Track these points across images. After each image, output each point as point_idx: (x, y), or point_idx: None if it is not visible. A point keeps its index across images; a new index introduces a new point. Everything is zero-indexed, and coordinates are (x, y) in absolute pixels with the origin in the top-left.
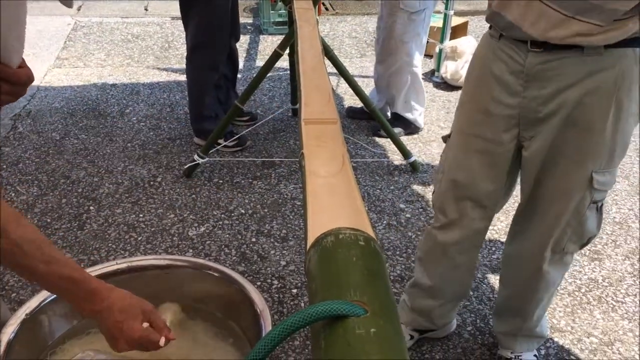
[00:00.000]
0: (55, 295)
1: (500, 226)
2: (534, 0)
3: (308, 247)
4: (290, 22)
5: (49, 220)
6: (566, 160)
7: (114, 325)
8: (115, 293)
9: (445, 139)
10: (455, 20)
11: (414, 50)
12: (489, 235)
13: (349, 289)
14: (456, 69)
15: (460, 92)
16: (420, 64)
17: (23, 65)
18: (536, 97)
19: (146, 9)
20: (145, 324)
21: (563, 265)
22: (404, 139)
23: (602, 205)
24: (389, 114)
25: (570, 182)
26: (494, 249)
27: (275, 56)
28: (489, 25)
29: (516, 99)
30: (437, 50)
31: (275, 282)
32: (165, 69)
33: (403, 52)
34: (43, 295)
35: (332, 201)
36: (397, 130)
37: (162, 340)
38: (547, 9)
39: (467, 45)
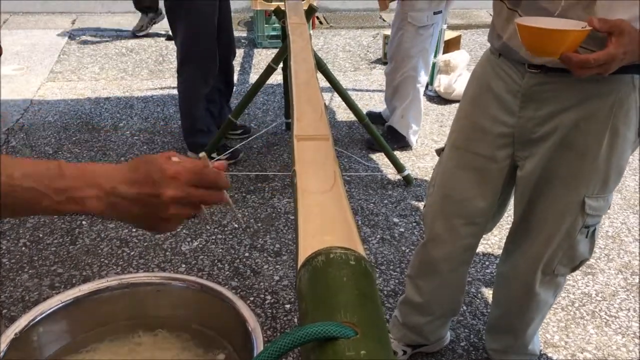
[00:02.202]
0: (47, 313)
1: (493, 240)
2: None
3: (299, 266)
4: (284, 36)
5: (41, 235)
6: (559, 183)
7: (143, 181)
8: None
9: (439, 152)
10: (449, 34)
11: (420, 65)
12: (482, 249)
13: (339, 310)
14: (449, 82)
15: (453, 105)
16: (424, 82)
17: None
18: (532, 118)
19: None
20: (175, 159)
21: (554, 286)
22: (397, 153)
23: (594, 230)
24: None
25: (563, 205)
26: (487, 263)
27: (269, 70)
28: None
29: (513, 118)
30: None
31: (269, 297)
32: (159, 83)
33: (409, 66)
34: (34, 313)
35: (323, 219)
36: (390, 142)
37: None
38: None
39: (460, 59)
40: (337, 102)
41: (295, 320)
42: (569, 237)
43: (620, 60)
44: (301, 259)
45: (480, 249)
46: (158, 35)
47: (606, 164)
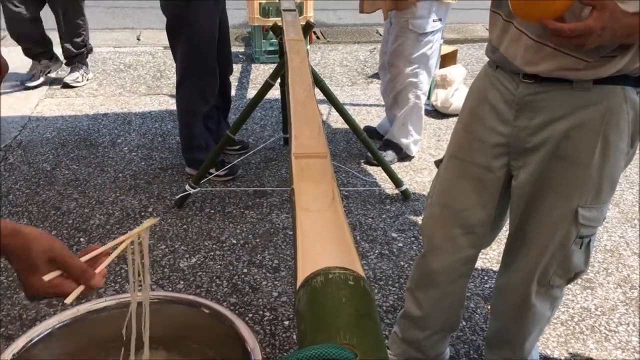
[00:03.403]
0: (44, 333)
1: (492, 255)
2: (523, 35)
3: (298, 286)
4: (282, 51)
5: None
6: (552, 193)
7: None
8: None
9: (438, 164)
10: (445, 49)
11: (421, 72)
12: (481, 263)
13: (338, 332)
14: (446, 97)
15: (450, 119)
16: (426, 90)
17: None
18: (526, 127)
19: (138, 39)
20: (54, 273)
21: (551, 298)
22: (395, 167)
23: (589, 241)
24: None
25: (556, 214)
26: (486, 277)
27: (267, 86)
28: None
29: (507, 127)
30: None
31: (267, 313)
32: (157, 98)
33: (410, 72)
34: (32, 334)
35: (321, 239)
36: (389, 156)
37: (75, 292)
38: (533, 42)
39: (457, 73)
40: (334, 117)
41: (294, 337)
42: (563, 248)
43: (597, 35)
44: (300, 279)
45: (478, 263)
46: (63, 85)
47: (599, 174)
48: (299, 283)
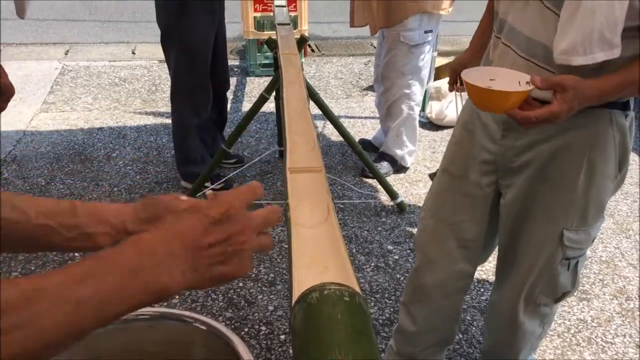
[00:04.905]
0: None
1: (488, 267)
2: (510, 50)
3: (293, 303)
4: (276, 65)
5: (32, 267)
6: (538, 214)
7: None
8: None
9: (432, 177)
10: (439, 61)
11: (414, 83)
12: (477, 275)
13: (334, 348)
14: (441, 109)
15: (445, 131)
16: (419, 101)
17: (4, 77)
18: (512, 147)
19: (134, 53)
20: (183, 198)
21: (539, 316)
22: (390, 179)
23: (577, 262)
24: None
25: (542, 235)
26: (482, 290)
27: (262, 100)
28: None
29: (495, 145)
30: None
31: (263, 328)
32: (152, 112)
33: (403, 84)
34: None
35: (317, 254)
36: (384, 168)
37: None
38: (519, 57)
39: None
40: (329, 129)
41: (291, 351)
42: (550, 268)
43: (566, 114)
44: (295, 295)
45: (475, 275)
46: None
47: (584, 197)
48: (294, 299)
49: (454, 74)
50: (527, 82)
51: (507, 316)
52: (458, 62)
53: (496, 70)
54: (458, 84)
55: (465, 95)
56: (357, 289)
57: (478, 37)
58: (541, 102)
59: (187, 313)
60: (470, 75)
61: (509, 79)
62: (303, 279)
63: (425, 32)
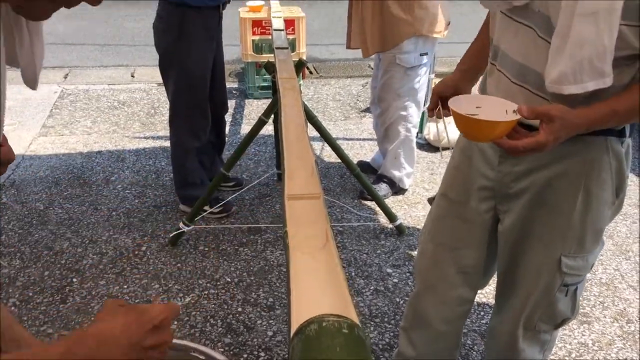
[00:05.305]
0: None
1: (488, 290)
2: (502, 76)
3: (292, 334)
4: (274, 89)
5: (30, 294)
6: (535, 240)
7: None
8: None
9: (431, 201)
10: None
11: (410, 105)
12: (477, 299)
13: None
14: (438, 130)
15: (443, 153)
16: (416, 123)
17: (4, 143)
18: (509, 173)
19: (133, 76)
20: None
21: (539, 343)
22: (389, 201)
23: (576, 289)
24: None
25: (539, 262)
26: (482, 313)
27: (260, 123)
28: None
29: (493, 171)
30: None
31: (262, 354)
32: (151, 135)
33: (399, 106)
34: None
35: (315, 283)
36: (382, 190)
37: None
38: (512, 84)
39: None
40: (328, 151)
41: None
42: (548, 295)
43: (552, 144)
44: (294, 326)
45: (475, 298)
46: None
47: (581, 224)
48: (293, 331)
49: (437, 98)
50: (514, 111)
51: (507, 342)
52: (444, 85)
53: (482, 98)
54: (439, 109)
55: (448, 119)
56: (356, 320)
57: (468, 59)
58: (529, 127)
59: (184, 342)
60: (457, 103)
61: (495, 107)
62: (301, 310)
63: (421, 54)
